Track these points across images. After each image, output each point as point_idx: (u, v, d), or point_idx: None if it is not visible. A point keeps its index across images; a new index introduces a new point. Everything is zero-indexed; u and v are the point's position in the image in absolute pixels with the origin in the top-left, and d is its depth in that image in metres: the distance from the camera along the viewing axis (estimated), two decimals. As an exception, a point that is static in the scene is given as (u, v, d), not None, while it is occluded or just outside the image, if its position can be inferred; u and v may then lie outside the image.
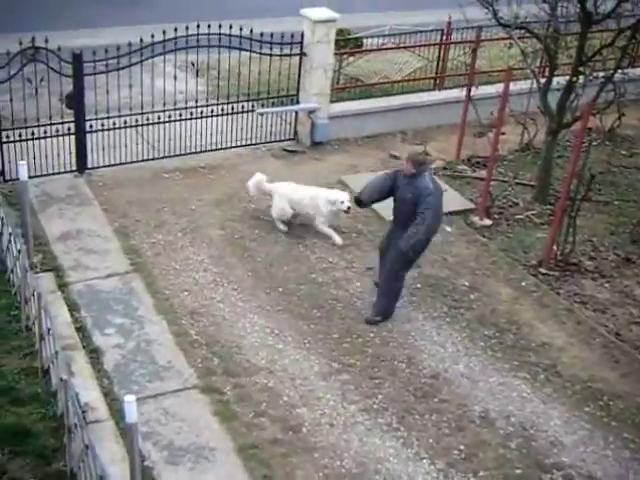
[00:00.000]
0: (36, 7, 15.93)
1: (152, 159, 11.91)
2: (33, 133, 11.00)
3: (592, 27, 11.15)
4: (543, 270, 10.23)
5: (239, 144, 12.49)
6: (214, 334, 8.80)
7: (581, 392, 8.38)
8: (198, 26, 11.06)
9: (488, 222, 11.19)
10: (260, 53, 11.90)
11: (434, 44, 14.11)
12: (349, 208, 10.38)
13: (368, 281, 9.79)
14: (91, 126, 11.38)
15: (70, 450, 6.91)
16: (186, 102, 11.88)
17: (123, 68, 11.17)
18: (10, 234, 8.93)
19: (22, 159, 9.85)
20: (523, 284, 10.00)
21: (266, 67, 12.04)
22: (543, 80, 11.58)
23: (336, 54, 13.09)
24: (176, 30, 10.94)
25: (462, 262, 10.33)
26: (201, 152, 12.18)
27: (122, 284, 9.45)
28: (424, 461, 7.46)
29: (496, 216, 11.35)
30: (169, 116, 11.81)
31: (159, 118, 11.78)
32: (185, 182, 11.65)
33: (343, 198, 10.47)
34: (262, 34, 11.72)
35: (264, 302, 9.30)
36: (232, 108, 12.20)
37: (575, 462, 7.55)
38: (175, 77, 11.72)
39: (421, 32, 14.12)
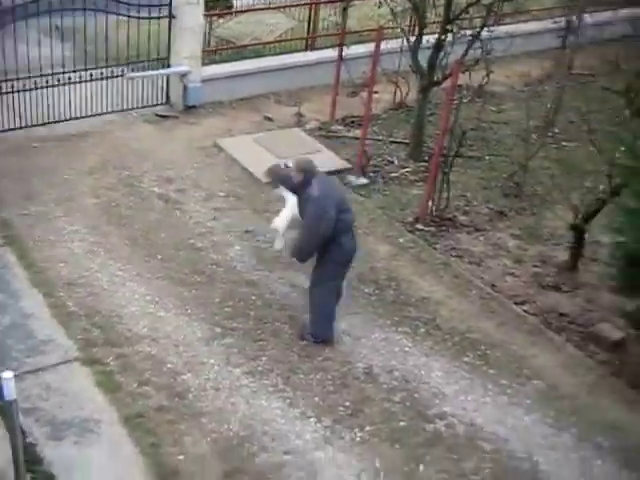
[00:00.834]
0: None
1: (19, 128, 11.49)
2: None
3: (459, -15, 11.34)
4: (420, 226, 10.42)
5: (110, 110, 12.18)
6: (93, 305, 8.63)
7: (460, 343, 8.62)
8: (61, -11, 10.72)
9: (364, 181, 11.31)
10: (128, 16, 11.60)
11: (304, 4, 14.06)
12: None
13: (247, 245, 9.77)
14: (-48, 95, 10.92)
15: (-53, 432, 6.69)
16: (52, 68, 11.49)
17: (-17, 33, 10.73)
18: None
19: None
20: (401, 241, 10.17)
21: (135, 31, 11.76)
22: (413, 39, 11.72)
23: (206, 15, 12.88)
24: (38, -7, 10.58)
25: (340, 221, 10.40)
26: (71, 120, 11.83)
27: (-6, 258, 9.15)
28: (311, 419, 7.54)
29: (372, 175, 11.48)
30: (35, 83, 11.40)
31: (25, 85, 11.35)
32: (56, 151, 11.31)
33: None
34: (129, -4, 11.45)
35: (143, 270, 9.17)
36: (101, 73, 11.86)
37: (457, 411, 7.77)
38: (39, 42, 11.30)
39: (291, -8, 14.08)
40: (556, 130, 12.83)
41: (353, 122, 12.74)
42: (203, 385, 7.79)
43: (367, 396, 7.84)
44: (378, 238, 10.18)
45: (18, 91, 11.36)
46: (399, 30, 11.91)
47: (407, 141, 12.19)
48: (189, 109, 12.73)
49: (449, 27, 11.28)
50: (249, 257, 9.56)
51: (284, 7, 14.11)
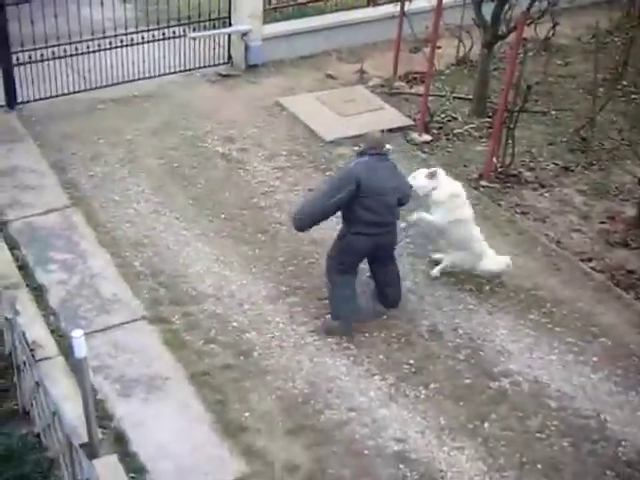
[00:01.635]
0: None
1: (84, 90, 11.60)
2: (-43, 68, 10.66)
3: None
4: (484, 183, 10.30)
5: (173, 71, 12.22)
6: (159, 264, 8.74)
7: (525, 300, 8.54)
8: (122, -51, 10.75)
9: (427, 138, 11.19)
10: (189, -25, 11.60)
11: (365, -41, 13.86)
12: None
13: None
14: (18, 59, 11.02)
15: (21, 389, 6.86)
16: (115, 30, 11.56)
17: (47, -4, 10.82)
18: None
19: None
20: (465, 198, 10.06)
21: (196, -10, 11.77)
22: (477, -9, 11.50)
23: (267, -27, 12.82)
24: (100, -46, 10.62)
25: (404, 179, 10.32)
26: (134, 81, 11.89)
27: (62, 219, 9.29)
28: (375, 377, 7.57)
29: (435, 131, 11.35)
30: (99, 45, 11.49)
31: (88, 47, 11.45)
32: (120, 112, 11.41)
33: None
34: (189, -45, 11.43)
35: (207, 229, 9.24)
36: (163, 34, 11.91)
37: (522, 369, 7.72)
38: (102, 4, 11.37)
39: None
40: (624, 83, 12.50)
41: (416, 78, 12.58)
42: (268, 343, 7.86)
43: (431, 354, 7.84)
44: (442, 195, 10.08)
45: (82, 53, 11.47)
46: (462, -17, 11.70)
47: (471, 97, 12.00)
48: (251, 68, 12.70)
49: (514, -21, 11.03)
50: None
51: (345, -38, 13.93)
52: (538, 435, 7.10)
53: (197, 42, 12.30)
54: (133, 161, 10.37)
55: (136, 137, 10.86)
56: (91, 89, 11.64)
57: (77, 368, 5.73)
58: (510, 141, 10.35)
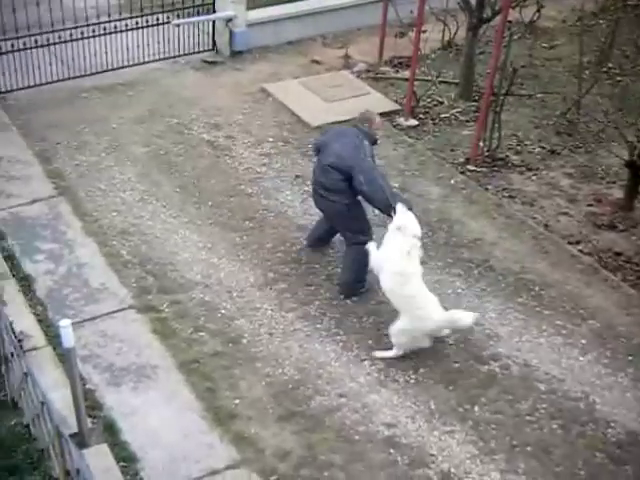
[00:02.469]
0: None
1: (68, 79, 11.52)
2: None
3: None
4: (471, 167, 10.30)
5: (157, 58, 12.15)
6: (146, 252, 8.71)
7: (514, 284, 8.54)
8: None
9: (414, 122, 11.17)
10: (172, -39, 11.52)
11: (350, -57, 13.79)
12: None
13: (298, 189, 9.74)
14: (0, 47, 10.93)
15: (9, 380, 6.83)
16: (98, 17, 11.48)
17: (29, -16, 10.72)
18: None
19: None
20: (452, 182, 10.06)
21: (179, -24, 11.69)
22: (461, -25, 11.46)
23: (250, -41, 12.74)
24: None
25: (391, 164, 10.32)
26: (118, 69, 11.83)
27: (48, 209, 9.25)
28: (365, 362, 7.57)
29: (422, 116, 11.33)
30: (82, 33, 11.40)
31: (71, 35, 11.37)
32: (104, 100, 11.35)
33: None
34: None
35: (194, 217, 9.21)
36: (147, 21, 11.82)
37: (511, 352, 7.74)
38: (85, -9, 11.30)
39: None
40: (610, 65, 12.48)
41: (401, 63, 12.55)
42: (257, 330, 7.85)
43: (420, 338, 7.83)
44: (429, 180, 10.08)
45: (65, 41, 11.37)
46: (447, -34, 11.66)
47: (457, 81, 11.99)
48: (236, 54, 12.64)
49: (498, -39, 11.00)
50: (299, 202, 9.54)
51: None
52: (528, 418, 7.12)
53: (181, 29, 12.22)
54: (118, 149, 10.31)
55: (121, 125, 10.80)
56: (75, 77, 11.57)
57: (65, 358, 5.70)
58: (496, 125, 10.34)
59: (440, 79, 11.95)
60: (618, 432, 7.02)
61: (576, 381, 7.47)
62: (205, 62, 12.48)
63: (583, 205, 9.78)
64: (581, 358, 7.71)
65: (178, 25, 12.12)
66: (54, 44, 11.32)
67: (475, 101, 11.55)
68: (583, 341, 7.89)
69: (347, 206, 8.10)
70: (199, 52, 12.56)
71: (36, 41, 11.10)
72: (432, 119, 11.32)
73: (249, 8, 12.67)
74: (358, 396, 7.24)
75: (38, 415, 6.21)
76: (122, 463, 6.42)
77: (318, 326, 7.92)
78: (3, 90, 11.16)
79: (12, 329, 6.69)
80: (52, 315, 7.81)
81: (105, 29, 11.57)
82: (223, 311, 8.04)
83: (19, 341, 6.77)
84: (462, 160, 10.43)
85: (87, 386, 7.08)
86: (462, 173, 10.21)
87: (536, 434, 6.99)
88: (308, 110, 11.22)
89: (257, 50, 12.80)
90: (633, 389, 7.40)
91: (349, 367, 7.51)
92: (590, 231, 9.36)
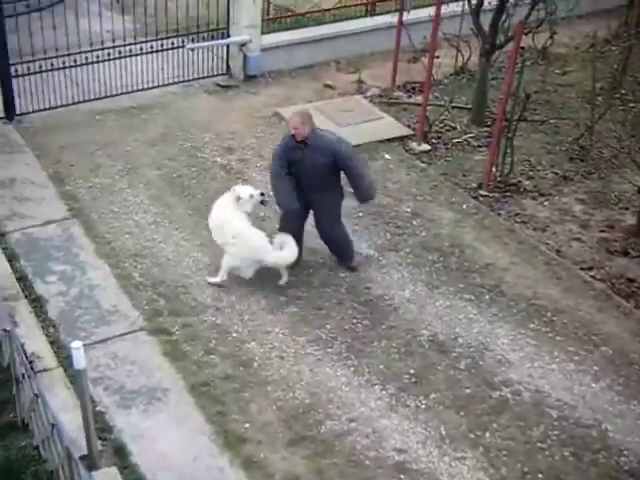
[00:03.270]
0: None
1: (83, 101, 11.62)
2: (-44, 80, 10.66)
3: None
4: (483, 192, 10.30)
5: (171, 82, 12.25)
6: (158, 275, 8.72)
7: (526, 310, 8.52)
8: (121, -39, 10.77)
9: (427, 147, 11.19)
10: (187, -14, 11.62)
11: (364, -31, 13.90)
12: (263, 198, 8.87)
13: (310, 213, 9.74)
14: (16, 70, 11.04)
15: (20, 401, 6.84)
16: (114, 41, 11.58)
17: (45, 8, 10.85)
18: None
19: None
20: (464, 207, 10.06)
21: (194, 1, 11.76)
22: (475, 1, 11.51)
23: (264, -16, 12.85)
24: (98, -34, 10.65)
25: (403, 188, 10.34)
26: (133, 92, 11.92)
27: (61, 230, 9.29)
28: (376, 387, 7.54)
29: (434, 141, 11.35)
30: (97, 56, 11.51)
31: (87, 59, 11.47)
32: (118, 123, 11.42)
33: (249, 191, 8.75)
34: (187, -33, 11.45)
35: (206, 240, 9.21)
36: (162, 45, 11.93)
37: (523, 378, 7.70)
38: (100, 15, 11.39)
39: (350, -42, 13.90)
40: (623, 91, 12.49)
41: (414, 88, 12.60)
42: (268, 354, 7.83)
43: (432, 364, 7.81)
44: (441, 205, 10.09)
45: (81, 65, 11.48)
46: (460, -7, 11.71)
47: (469, 106, 12.01)
48: (249, 78, 12.71)
49: (511, -12, 11.04)
50: (311, 226, 9.53)
51: (343, -27, 13.97)
52: (540, 445, 7.07)
53: (195, 53, 12.31)
54: (132, 172, 10.36)
55: (135, 148, 10.86)
56: (90, 100, 11.67)
57: (76, 379, 5.70)
58: (509, 150, 10.34)
59: (453, 104, 11.97)
60: (631, 460, 6.96)
61: (588, 408, 7.42)
62: (219, 86, 12.55)
63: (596, 231, 9.76)
64: (593, 385, 7.67)
65: (192, 49, 12.21)
66: (70, 67, 11.43)
67: (488, 126, 11.56)
68: (595, 368, 7.85)
69: None
70: (213, 76, 12.64)
71: (52, 64, 11.21)
72: (444, 144, 11.34)
73: (263, 33, 12.75)
74: (369, 421, 7.21)
75: (48, 437, 6.21)
76: (131, 486, 6.41)
77: (329, 350, 7.91)
78: (19, 112, 11.25)
79: (24, 350, 6.70)
80: (64, 337, 7.82)
81: (120, 53, 11.67)
82: (234, 334, 8.04)
83: (30, 362, 6.78)
84: (474, 185, 10.43)
85: (97, 408, 7.07)
86: (474, 198, 10.21)
87: (548, 461, 6.94)
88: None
89: (271, 74, 12.88)
90: (646, 417, 7.36)
91: (360, 392, 7.48)
92: (603, 257, 9.33)
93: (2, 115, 11.17)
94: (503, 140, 10.29)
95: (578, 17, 13.65)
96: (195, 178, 10.31)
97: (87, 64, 11.51)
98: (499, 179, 10.44)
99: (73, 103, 11.54)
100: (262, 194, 8.78)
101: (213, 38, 12.44)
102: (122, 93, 11.85)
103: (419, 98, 11.82)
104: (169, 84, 12.23)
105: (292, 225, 8.72)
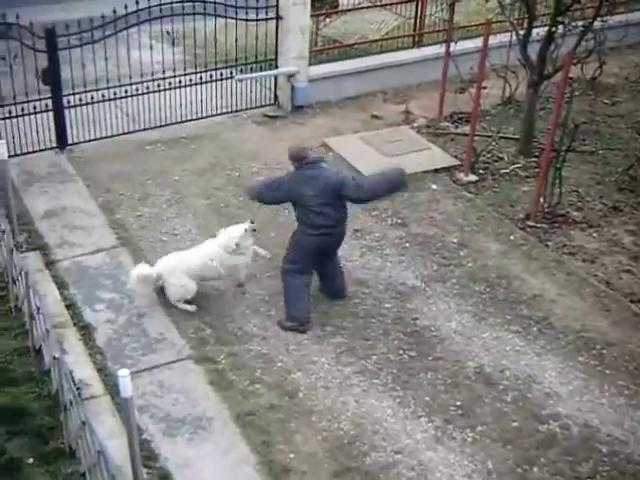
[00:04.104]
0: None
1: (133, 132, 11.79)
2: (10, 112, 10.85)
3: (569, -25, 11.06)
4: (531, 223, 10.22)
5: (219, 112, 12.38)
6: (205, 304, 8.76)
7: (574, 342, 8.41)
8: (171, -6, 10.94)
9: (474, 178, 11.16)
10: (236, 19, 11.76)
11: (411, 0, 13.94)
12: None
13: (357, 243, 9.76)
14: (69, 101, 11.25)
15: (67, 427, 6.89)
16: (164, 72, 11.74)
17: (97, 41, 11.01)
18: (-7, 215, 8.86)
19: (0, 138, 9.75)
20: (512, 238, 9.99)
21: (243, 33, 11.91)
22: (522, 32, 11.51)
23: (312, 16, 12.95)
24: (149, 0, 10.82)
25: (450, 219, 10.30)
26: (182, 122, 12.07)
27: (110, 259, 9.39)
28: (421, 419, 7.48)
29: (481, 171, 11.32)
30: (147, 87, 11.68)
31: (137, 90, 11.65)
32: (167, 153, 11.56)
33: (235, 234, 8.81)
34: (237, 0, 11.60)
35: (253, 269, 9.26)
36: (211, 76, 12.07)
37: (571, 412, 7.59)
38: (151, 47, 11.60)
39: (397, -11, 13.98)
40: (673, 122, 12.39)
41: (461, 118, 12.60)
42: (313, 384, 7.82)
43: (478, 396, 7.73)
44: (488, 236, 10.03)
45: (131, 96, 11.66)
46: (508, 23, 11.71)
47: (517, 137, 11.97)
48: (297, 109, 12.81)
49: (560, 18, 11.01)
50: (358, 256, 9.55)
51: (390, 4, 14.06)
52: (589, 480, 6.96)
53: (244, 84, 12.44)
54: (180, 201, 10.47)
55: (183, 178, 10.97)
56: (139, 130, 11.83)
57: (123, 407, 5.76)
58: (557, 181, 10.27)
59: (500, 135, 11.94)
60: (683, 498, 6.83)
61: (639, 444, 7.28)
62: (266, 116, 12.66)
63: (646, 263, 9.64)
64: (644, 420, 7.54)
65: (241, 80, 12.34)
66: (120, 98, 11.61)
67: (535, 157, 11.50)
68: (646, 402, 7.72)
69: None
70: (261, 106, 12.76)
71: (103, 95, 11.40)
72: (492, 174, 11.30)
73: (311, 64, 12.86)
74: (414, 453, 7.14)
75: (94, 464, 6.24)
76: (176, 515, 6.42)
77: (375, 381, 7.87)
78: (70, 142, 11.44)
79: (72, 377, 6.76)
80: (111, 364, 7.88)
81: (170, 84, 11.83)
82: (279, 364, 8.04)
83: (78, 389, 6.84)
84: (522, 216, 10.37)
85: (143, 436, 7.10)
86: (522, 229, 10.14)
87: (597, 497, 6.83)
88: (368, 165, 11.26)
89: (318, 105, 12.96)
90: (698, 453, 7.20)
91: (405, 423, 7.43)
92: (653, 290, 9.21)
93: (55, 145, 11.37)
94: (551, 171, 10.22)
95: (627, 47, 13.61)
96: (242, 208, 10.37)
97: (137, 95, 11.69)
98: (547, 210, 10.36)
99: (123, 133, 11.72)
100: (252, 222, 8.98)
101: (261, 69, 12.57)
102: (171, 123, 12.01)
103: (466, 128, 11.81)
104: (217, 114, 12.36)
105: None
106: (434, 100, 12.64)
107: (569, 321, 8.68)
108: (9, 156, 9.38)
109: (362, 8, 14.04)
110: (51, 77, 11.02)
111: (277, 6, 12.25)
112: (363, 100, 13.24)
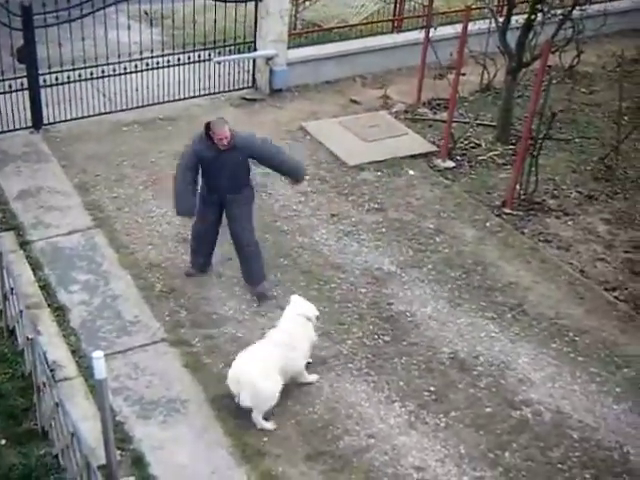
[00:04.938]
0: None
1: (109, 112, 11.70)
2: (-16, 89, 10.77)
3: (549, -37, 11.07)
4: (507, 210, 10.26)
5: (197, 94, 12.31)
6: (180, 287, 8.74)
7: (548, 329, 8.47)
8: (150, -26, 10.85)
9: (451, 164, 11.18)
10: (215, 0, 11.67)
11: (391, -14, 13.92)
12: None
13: (333, 228, 9.76)
14: (45, 80, 11.13)
15: (40, 409, 6.87)
16: (141, 53, 11.65)
17: (74, 20, 10.91)
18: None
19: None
20: (488, 225, 10.03)
21: (222, 15, 11.83)
22: (502, 19, 11.51)
23: (292, -1, 12.91)
24: (128, -21, 10.74)
25: (426, 205, 10.32)
26: (159, 103, 11.98)
27: (85, 240, 9.34)
28: (395, 404, 7.51)
29: (459, 158, 11.34)
30: (124, 68, 11.59)
31: (114, 70, 11.56)
32: (144, 135, 11.49)
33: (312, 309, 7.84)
34: (216, -20, 11.52)
35: (229, 252, 9.23)
36: (189, 58, 11.99)
37: (543, 398, 7.65)
38: (129, 28, 11.47)
39: (377, -26, 13.95)
40: (650, 111, 12.46)
41: (440, 105, 12.60)
42: (288, 368, 7.81)
43: (452, 381, 7.78)
44: (465, 222, 10.06)
45: (108, 76, 11.58)
46: (487, 10, 11.71)
47: (494, 124, 12.00)
48: (275, 92, 12.76)
49: (539, 6, 11.03)
50: (335, 241, 9.55)
51: (370, -11, 14.02)
52: (560, 466, 7.01)
53: (222, 66, 12.37)
54: (157, 183, 10.41)
55: (160, 159, 10.91)
56: (116, 111, 11.74)
57: (97, 389, 5.72)
58: (534, 168, 10.31)
59: (478, 122, 11.96)
60: (652, 484, 6.91)
61: (610, 430, 7.35)
62: (244, 99, 12.60)
63: (620, 251, 9.70)
64: (615, 407, 7.60)
65: (219, 62, 12.27)
66: (97, 78, 11.52)
67: (512, 144, 11.53)
68: (618, 389, 7.78)
69: None
70: (239, 89, 12.70)
71: (79, 75, 11.30)
72: (469, 161, 11.32)
73: (290, 47, 12.80)
74: (388, 438, 7.18)
75: (68, 446, 6.23)
76: (149, 497, 6.42)
77: (349, 366, 7.89)
78: (46, 122, 11.34)
79: (45, 359, 6.73)
80: (85, 346, 7.86)
81: (147, 65, 11.75)
82: (255, 347, 8.03)
83: (51, 371, 6.81)
84: (498, 203, 10.40)
85: (117, 418, 7.09)
86: (498, 216, 10.18)
87: (568, 483, 6.89)
88: (346, 149, 11.28)
89: (296, 89, 12.92)
90: (668, 440, 7.28)
91: (379, 408, 7.46)
92: (627, 278, 9.27)
93: (30, 124, 11.26)
94: (528, 158, 10.26)
95: (605, 36, 13.62)
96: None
97: (114, 75, 11.60)
98: (523, 197, 10.40)
99: (100, 114, 11.63)
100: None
101: (240, 52, 12.51)
102: (149, 105, 11.92)
103: (444, 115, 11.83)
104: (195, 96, 12.29)
105: (208, 232, 8.72)
106: (413, 85, 12.63)
107: (543, 308, 8.74)
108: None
109: (342, -8, 13.99)
110: (27, 55, 10.90)
111: (256, -12, 12.19)
112: (342, 84, 13.21)
